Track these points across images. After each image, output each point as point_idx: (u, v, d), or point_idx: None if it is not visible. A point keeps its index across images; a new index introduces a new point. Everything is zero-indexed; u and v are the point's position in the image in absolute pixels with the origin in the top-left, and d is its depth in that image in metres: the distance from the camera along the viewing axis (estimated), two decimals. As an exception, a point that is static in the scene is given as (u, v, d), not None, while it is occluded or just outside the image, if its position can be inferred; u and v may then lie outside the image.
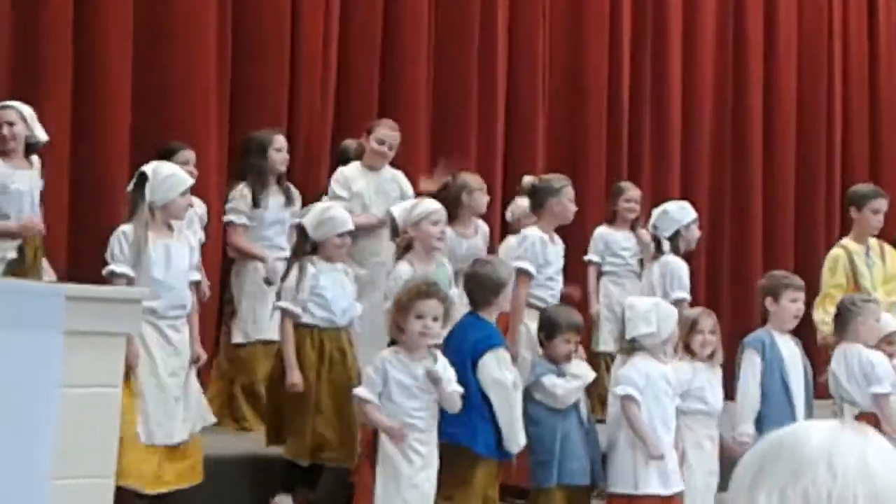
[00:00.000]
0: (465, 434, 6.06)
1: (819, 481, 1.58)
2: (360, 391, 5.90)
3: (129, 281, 5.80)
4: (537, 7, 10.01)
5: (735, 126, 11.40)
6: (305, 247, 6.44)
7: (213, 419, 6.93)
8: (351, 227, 6.55)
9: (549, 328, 6.63)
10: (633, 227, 8.82)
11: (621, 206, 8.85)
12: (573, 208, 7.32)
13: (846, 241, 8.34)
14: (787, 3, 11.80)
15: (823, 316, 7.90)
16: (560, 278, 7.27)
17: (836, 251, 8.26)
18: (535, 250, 7.02)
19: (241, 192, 7.50)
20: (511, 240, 7.58)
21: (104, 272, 5.85)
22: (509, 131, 9.81)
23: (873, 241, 8.32)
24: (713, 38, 11.29)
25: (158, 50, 7.97)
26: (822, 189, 11.92)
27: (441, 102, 9.38)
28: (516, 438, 6.15)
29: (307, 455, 6.27)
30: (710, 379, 6.84)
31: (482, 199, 7.60)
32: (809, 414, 6.96)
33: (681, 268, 7.68)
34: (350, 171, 7.68)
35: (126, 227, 5.88)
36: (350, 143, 8.00)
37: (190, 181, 6.12)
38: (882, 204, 8.32)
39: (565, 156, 10.08)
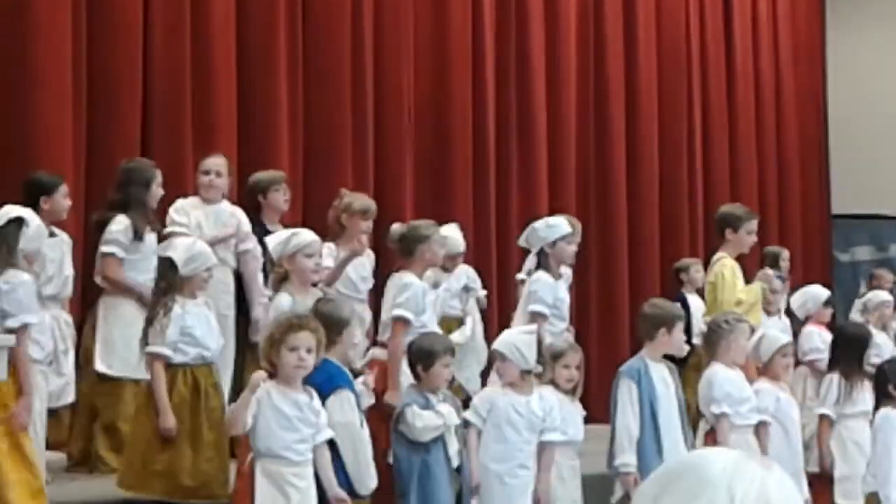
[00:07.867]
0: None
1: (716, 503, 1.66)
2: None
3: None
4: (402, 44, 10.08)
5: (599, 157, 11.62)
6: (174, 282, 6.36)
7: None
8: (215, 260, 6.62)
9: (425, 357, 6.51)
10: None
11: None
12: (442, 253, 7.45)
13: (725, 256, 8.39)
14: (647, 35, 12.11)
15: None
16: (434, 326, 7.19)
17: (732, 262, 8.32)
18: (418, 300, 6.95)
19: (124, 225, 7.34)
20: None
21: (21, 324, 5.85)
22: (378, 166, 9.84)
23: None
24: (576, 70, 11.51)
25: (15, 81, 7.84)
26: (686, 214, 12.21)
27: (312, 140, 9.40)
28: (364, 481, 6.06)
29: (180, 494, 6.17)
30: (570, 411, 6.91)
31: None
32: (684, 441, 7.00)
33: (539, 281, 7.64)
34: (188, 203, 7.76)
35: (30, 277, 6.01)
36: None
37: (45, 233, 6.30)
38: (755, 225, 8.57)
39: (433, 189, 10.18)
